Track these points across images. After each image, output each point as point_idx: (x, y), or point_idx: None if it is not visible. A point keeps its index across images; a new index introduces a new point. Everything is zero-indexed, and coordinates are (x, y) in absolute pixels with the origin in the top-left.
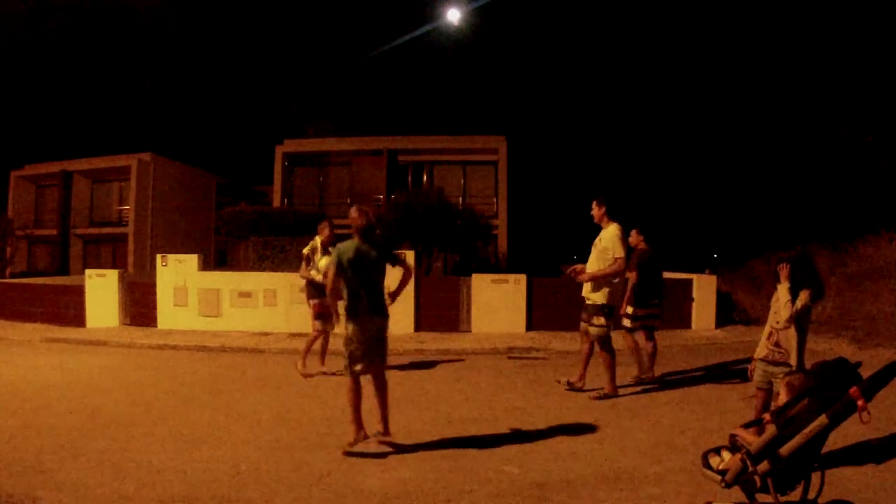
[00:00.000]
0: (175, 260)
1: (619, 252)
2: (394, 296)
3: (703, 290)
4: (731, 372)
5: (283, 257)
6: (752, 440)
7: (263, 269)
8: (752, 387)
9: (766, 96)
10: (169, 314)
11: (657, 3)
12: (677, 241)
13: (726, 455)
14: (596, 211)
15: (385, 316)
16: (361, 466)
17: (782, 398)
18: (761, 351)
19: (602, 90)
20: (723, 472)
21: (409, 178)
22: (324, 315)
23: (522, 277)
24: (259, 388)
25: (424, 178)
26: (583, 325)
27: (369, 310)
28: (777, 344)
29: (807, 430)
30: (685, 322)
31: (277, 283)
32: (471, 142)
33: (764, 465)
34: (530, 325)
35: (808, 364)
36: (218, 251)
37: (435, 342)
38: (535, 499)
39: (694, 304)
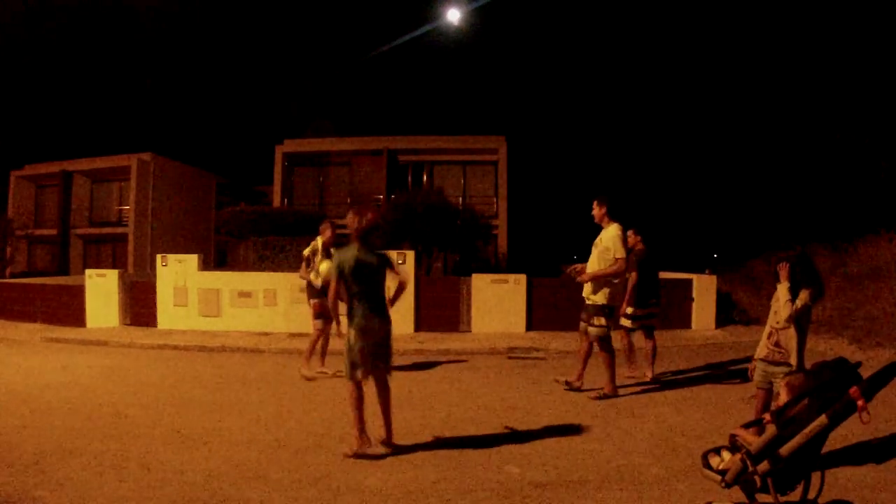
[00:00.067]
0: (175, 260)
1: (620, 252)
2: (391, 302)
3: (703, 290)
4: (731, 372)
5: (283, 257)
6: (752, 440)
7: (263, 269)
8: (753, 387)
9: (766, 97)
10: (169, 314)
11: (657, 3)
12: (677, 241)
13: (726, 455)
14: (596, 211)
15: (387, 321)
16: (361, 466)
17: (782, 398)
18: (761, 351)
19: (602, 90)
20: (723, 472)
21: (409, 178)
22: (324, 314)
23: (522, 277)
24: (259, 388)
25: (424, 178)
26: (582, 325)
27: (371, 315)
28: (777, 344)
29: (807, 431)
30: (685, 322)
31: (277, 283)
32: (471, 142)
33: (764, 465)
34: (530, 326)
35: (808, 364)
36: (218, 251)
37: (435, 342)
38: (535, 499)
39: (694, 304)
